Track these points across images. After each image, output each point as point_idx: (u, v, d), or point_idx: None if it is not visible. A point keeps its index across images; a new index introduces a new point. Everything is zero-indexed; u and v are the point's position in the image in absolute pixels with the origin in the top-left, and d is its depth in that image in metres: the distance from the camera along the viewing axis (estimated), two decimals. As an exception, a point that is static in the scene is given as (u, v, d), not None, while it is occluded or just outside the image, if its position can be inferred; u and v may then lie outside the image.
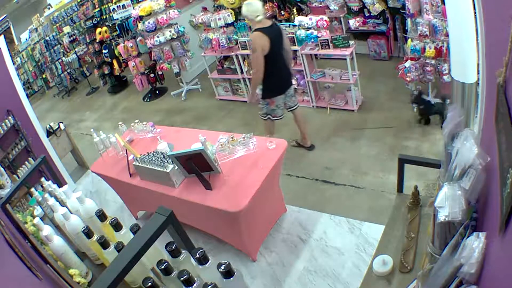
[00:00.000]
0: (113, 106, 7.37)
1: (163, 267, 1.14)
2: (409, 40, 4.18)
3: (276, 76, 3.49)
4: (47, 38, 9.11)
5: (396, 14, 5.21)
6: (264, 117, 3.90)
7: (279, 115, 3.80)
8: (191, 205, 2.81)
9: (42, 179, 2.57)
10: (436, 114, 4.17)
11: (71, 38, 8.72)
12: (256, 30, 3.37)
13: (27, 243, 1.81)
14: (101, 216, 1.64)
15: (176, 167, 2.85)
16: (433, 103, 4.16)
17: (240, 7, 6.42)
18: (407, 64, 4.19)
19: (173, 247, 1.22)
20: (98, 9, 7.45)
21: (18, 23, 9.13)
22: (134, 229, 1.46)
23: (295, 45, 4.69)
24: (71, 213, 1.82)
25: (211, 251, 3.25)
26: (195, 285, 1.08)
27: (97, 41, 7.50)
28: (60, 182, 2.57)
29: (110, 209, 4.16)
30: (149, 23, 5.79)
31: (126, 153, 3.25)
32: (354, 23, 5.51)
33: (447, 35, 3.68)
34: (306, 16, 4.78)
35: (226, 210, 2.61)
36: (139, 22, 6.06)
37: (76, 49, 8.74)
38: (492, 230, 0.88)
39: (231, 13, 5.49)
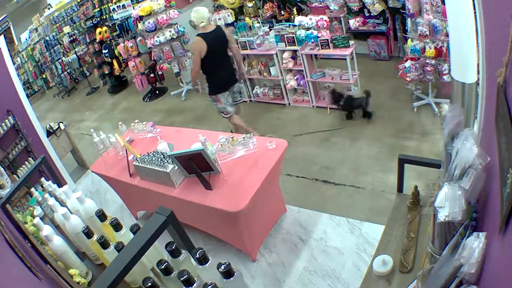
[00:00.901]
0: (113, 106, 7.37)
1: (163, 267, 1.14)
2: (409, 40, 4.18)
3: (216, 75, 3.91)
4: (47, 38, 9.11)
5: (396, 14, 5.21)
6: (222, 114, 4.28)
7: (229, 112, 4.13)
8: (191, 205, 2.81)
9: (42, 179, 2.57)
10: (359, 108, 4.44)
11: (71, 38, 8.72)
12: (198, 35, 3.77)
13: (27, 243, 1.81)
14: (101, 216, 1.64)
15: (176, 167, 2.85)
16: (355, 97, 4.39)
17: (240, 7, 6.47)
18: (407, 64, 4.19)
19: (173, 247, 1.22)
20: (98, 9, 7.45)
21: (18, 23, 9.14)
22: (134, 229, 1.46)
23: (295, 45, 4.69)
24: (71, 213, 1.82)
25: (211, 251, 3.25)
26: (195, 285, 1.08)
27: (97, 41, 7.49)
28: (60, 182, 2.57)
29: (110, 209, 4.16)
30: (149, 23, 5.79)
31: (126, 153, 3.25)
32: (354, 23, 5.51)
33: (447, 35, 3.68)
34: (306, 16, 4.78)
35: (226, 210, 2.61)
36: (139, 22, 6.06)
37: (76, 49, 8.75)
38: (492, 230, 0.88)
39: (231, 13, 5.50)
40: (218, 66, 3.85)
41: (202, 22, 3.71)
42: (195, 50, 3.76)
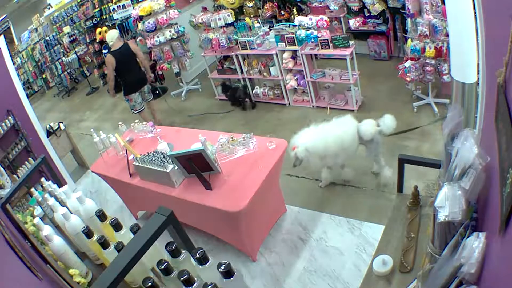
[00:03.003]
0: (113, 106, 7.36)
1: (163, 267, 1.14)
2: (409, 40, 4.17)
3: (127, 80, 5.02)
4: (47, 38, 9.11)
5: (396, 14, 5.21)
6: (132, 111, 5.39)
7: (137, 108, 5.26)
8: (191, 205, 2.81)
9: (42, 179, 2.57)
10: (240, 98, 5.46)
11: (71, 38, 8.71)
12: (109, 52, 4.91)
13: (27, 243, 1.81)
14: (101, 216, 1.64)
15: (176, 167, 2.85)
16: (237, 88, 5.43)
17: (240, 7, 6.47)
18: (407, 64, 4.19)
19: (173, 247, 1.22)
20: (98, 9, 7.45)
21: (18, 23, 9.13)
22: (134, 229, 1.46)
23: (295, 45, 4.69)
24: (71, 213, 1.82)
25: (211, 251, 3.25)
26: (195, 285, 1.08)
27: (97, 41, 7.49)
28: (60, 182, 2.57)
29: (110, 209, 4.16)
30: (149, 23, 5.78)
31: (126, 153, 3.25)
32: (354, 23, 5.51)
33: (447, 35, 3.68)
34: (306, 16, 4.78)
35: (226, 210, 2.61)
36: (139, 22, 6.05)
37: (76, 49, 8.74)
38: (492, 230, 0.88)
39: (231, 13, 5.49)
40: (128, 74, 4.95)
41: (111, 42, 4.84)
42: (108, 64, 4.88)
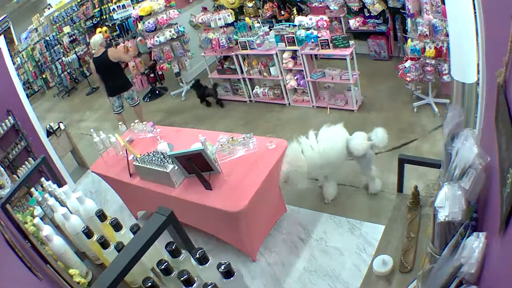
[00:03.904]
0: (113, 106, 7.35)
1: (163, 267, 1.14)
2: (409, 40, 4.17)
3: (106, 85, 5.32)
4: (47, 38, 9.11)
5: (396, 14, 5.21)
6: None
7: (114, 110, 5.55)
8: (191, 205, 2.81)
9: (42, 179, 2.56)
10: (209, 96, 5.81)
11: (71, 38, 8.72)
12: (92, 57, 5.26)
13: (27, 243, 1.81)
14: (101, 216, 1.64)
15: (176, 167, 2.85)
16: (206, 87, 5.76)
17: (240, 7, 6.47)
18: (407, 64, 4.19)
19: (173, 247, 1.22)
20: (98, 9, 7.46)
21: (18, 23, 9.13)
22: (134, 229, 1.46)
23: (295, 45, 4.69)
24: (71, 213, 1.82)
25: (211, 251, 3.25)
26: (195, 285, 1.08)
27: (97, 41, 7.49)
28: (60, 182, 2.57)
29: (110, 209, 4.16)
30: (149, 23, 5.79)
31: (126, 153, 3.25)
32: (354, 23, 5.51)
33: (447, 35, 3.68)
34: (306, 16, 4.78)
35: (226, 210, 2.61)
36: (139, 22, 6.06)
37: (76, 49, 8.75)
38: (492, 230, 0.88)
39: (231, 13, 5.49)
40: (106, 79, 5.21)
41: (94, 49, 5.15)
42: (91, 68, 5.35)
